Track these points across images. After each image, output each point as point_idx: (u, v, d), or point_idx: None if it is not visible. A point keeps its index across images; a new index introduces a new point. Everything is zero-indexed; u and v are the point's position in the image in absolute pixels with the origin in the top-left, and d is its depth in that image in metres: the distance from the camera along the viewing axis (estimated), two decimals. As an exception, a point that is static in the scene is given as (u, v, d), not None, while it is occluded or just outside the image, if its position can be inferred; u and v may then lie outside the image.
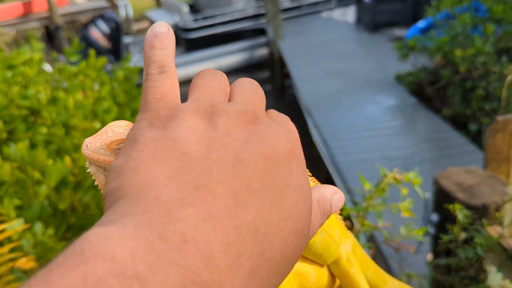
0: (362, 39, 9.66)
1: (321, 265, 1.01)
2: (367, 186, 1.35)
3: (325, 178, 5.45)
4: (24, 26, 13.53)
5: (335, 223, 0.97)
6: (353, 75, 7.53)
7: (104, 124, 2.90)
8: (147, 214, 0.27)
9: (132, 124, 0.58)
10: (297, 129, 0.41)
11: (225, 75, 0.42)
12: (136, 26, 16.09)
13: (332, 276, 1.05)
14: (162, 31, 0.42)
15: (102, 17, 11.58)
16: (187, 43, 11.43)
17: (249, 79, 0.44)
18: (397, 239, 1.41)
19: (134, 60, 11.00)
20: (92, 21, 11.47)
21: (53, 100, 2.88)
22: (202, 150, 0.31)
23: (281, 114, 0.41)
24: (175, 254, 0.25)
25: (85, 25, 11.53)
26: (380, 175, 1.41)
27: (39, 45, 3.64)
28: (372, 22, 9.60)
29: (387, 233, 1.41)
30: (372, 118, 6.05)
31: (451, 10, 6.13)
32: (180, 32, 11.55)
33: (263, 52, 11.36)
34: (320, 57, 8.77)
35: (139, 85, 3.67)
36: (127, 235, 0.25)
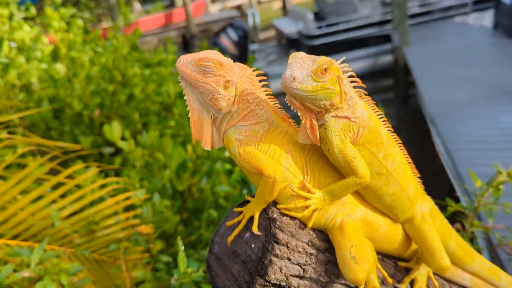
0: (500, 45, 8.80)
1: (395, 221, 0.98)
2: (478, 183, 1.26)
3: (446, 191, 5.07)
4: (164, 35, 14.96)
5: (411, 179, 0.93)
6: (487, 83, 6.91)
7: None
8: None
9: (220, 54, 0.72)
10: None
11: None
12: (262, 35, 16.74)
13: (408, 238, 1.01)
14: None
15: (232, 25, 12.30)
16: (310, 50, 11.53)
17: None
18: (512, 244, 1.29)
19: (256, 65, 11.46)
20: (223, 29, 12.24)
21: (181, 95, 3.18)
22: None
23: None
24: None
25: (217, 33, 12.35)
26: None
27: (173, 48, 4.03)
28: (514, 26, 8.70)
29: (500, 237, 1.30)
30: (507, 129, 5.48)
31: None
32: (303, 39, 11.72)
33: (387, 59, 10.97)
34: (450, 63, 8.20)
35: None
36: None
